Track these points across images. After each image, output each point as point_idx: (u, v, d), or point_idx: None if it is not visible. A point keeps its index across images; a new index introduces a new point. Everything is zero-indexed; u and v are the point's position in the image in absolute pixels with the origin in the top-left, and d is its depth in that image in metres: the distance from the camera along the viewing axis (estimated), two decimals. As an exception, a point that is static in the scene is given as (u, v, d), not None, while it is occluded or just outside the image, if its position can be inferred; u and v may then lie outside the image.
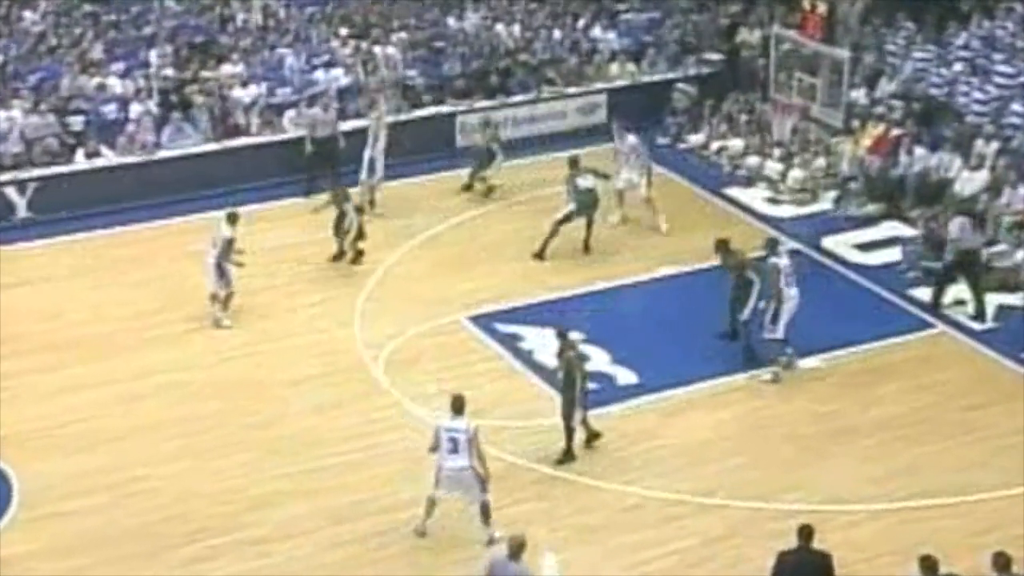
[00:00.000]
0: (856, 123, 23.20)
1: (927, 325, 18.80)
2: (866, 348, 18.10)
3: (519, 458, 15.75)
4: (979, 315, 18.85)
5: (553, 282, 19.81)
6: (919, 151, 21.97)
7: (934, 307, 19.01)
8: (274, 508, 15.02)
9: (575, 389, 15.58)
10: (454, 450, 14.07)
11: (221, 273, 18.32)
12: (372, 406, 16.94)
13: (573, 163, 20.91)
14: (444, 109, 24.69)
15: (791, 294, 17.19)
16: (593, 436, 15.99)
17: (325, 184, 21.92)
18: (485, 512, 14.26)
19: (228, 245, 18.28)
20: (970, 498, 15.02)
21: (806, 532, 12.33)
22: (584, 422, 15.88)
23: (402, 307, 19.24)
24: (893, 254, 20.53)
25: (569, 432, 15.72)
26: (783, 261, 17.40)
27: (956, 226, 19.09)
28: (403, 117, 24.17)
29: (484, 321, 18.83)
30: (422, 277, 20.19)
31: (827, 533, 13.26)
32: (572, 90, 25.38)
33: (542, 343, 18.08)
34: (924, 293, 19.45)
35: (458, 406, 14.28)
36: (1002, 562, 12.08)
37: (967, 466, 15.58)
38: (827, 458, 15.81)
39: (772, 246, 17.70)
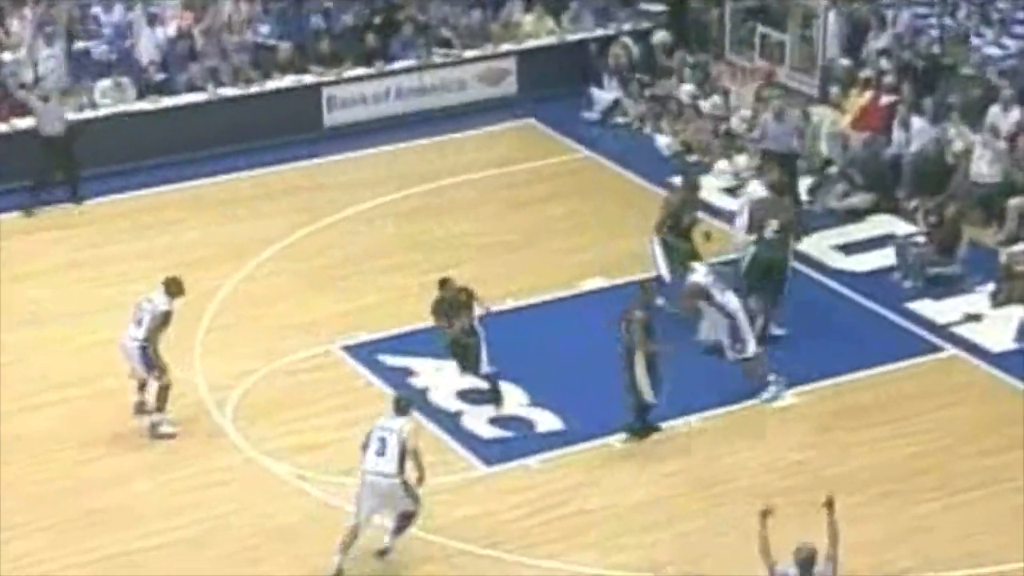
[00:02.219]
0: (836, 90, 23.71)
1: (931, 348, 19.24)
2: (852, 379, 18.46)
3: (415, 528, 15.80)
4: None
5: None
6: (918, 123, 22.45)
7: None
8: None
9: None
10: (381, 452, 14.96)
11: (150, 361, 17.25)
12: (215, 466, 17.01)
13: None
14: (308, 79, 24.82)
15: (728, 300, 17.85)
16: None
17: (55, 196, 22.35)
18: (404, 519, 15.21)
19: (163, 321, 17.21)
20: (985, 570, 15.36)
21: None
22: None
23: (255, 337, 19.36)
24: (886, 257, 20.98)
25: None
26: (701, 277, 17.98)
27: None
28: (254, 89, 24.35)
29: (364, 352, 19.02)
30: (279, 297, 20.33)
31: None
32: (472, 53, 25.64)
33: (440, 380, 18.33)
34: (927, 307, 19.93)
35: (402, 406, 15.28)
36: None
37: (982, 530, 15.92)
38: (803, 521, 15.93)
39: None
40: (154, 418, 17.48)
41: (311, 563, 15.43)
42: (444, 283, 18.14)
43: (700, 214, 20.44)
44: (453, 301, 17.97)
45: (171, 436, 17.43)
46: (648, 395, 17.13)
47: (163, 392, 17.45)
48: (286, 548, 15.66)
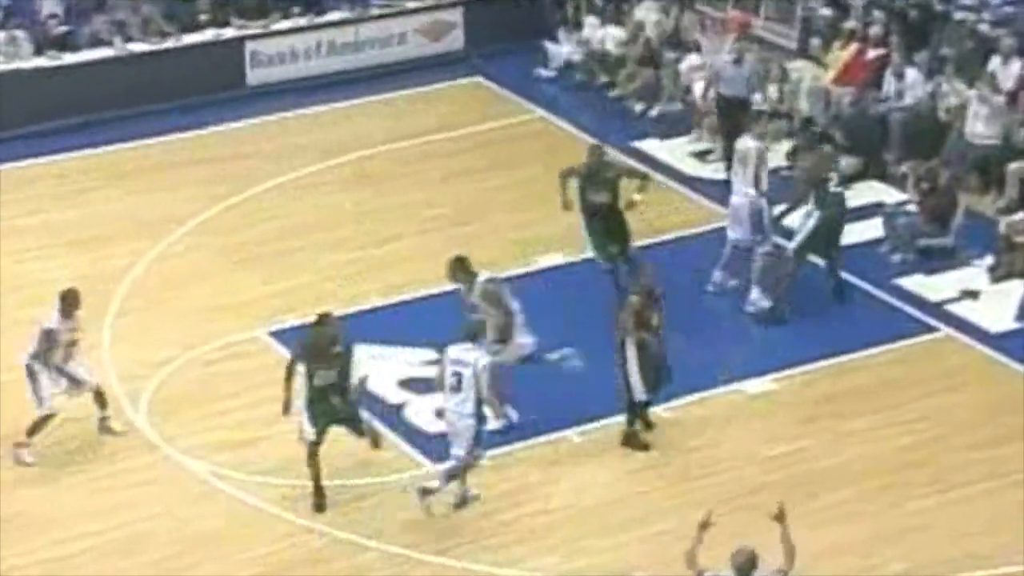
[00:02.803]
0: (817, 43, 23.88)
1: (924, 328, 19.39)
2: (837, 362, 18.60)
3: (349, 532, 15.91)
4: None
5: (391, 280, 20.06)
6: (912, 74, 22.61)
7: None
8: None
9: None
10: (457, 388, 15.83)
11: (34, 380, 16.97)
12: (129, 467, 16.99)
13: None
14: (229, 33, 24.82)
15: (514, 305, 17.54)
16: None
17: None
18: (454, 473, 16.06)
19: (45, 341, 16.88)
20: (984, 573, 15.45)
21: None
22: None
23: (172, 321, 19.35)
24: (873, 228, 21.05)
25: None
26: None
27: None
28: (168, 44, 24.32)
29: (294, 338, 18.78)
30: (198, 277, 20.35)
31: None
32: (413, 4, 25.70)
33: (380, 368, 18.34)
34: (919, 283, 20.08)
35: (472, 333, 16.02)
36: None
37: (981, 529, 16.02)
38: (796, 516, 16.14)
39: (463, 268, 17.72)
40: (15, 448, 17.09)
41: (235, 571, 15.46)
42: (323, 320, 16.43)
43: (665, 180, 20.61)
44: (330, 343, 16.24)
45: (28, 465, 17.04)
46: (638, 391, 17.07)
47: (37, 426, 17.01)
48: (209, 555, 15.64)
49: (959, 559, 15.51)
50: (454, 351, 15.88)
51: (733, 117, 21.99)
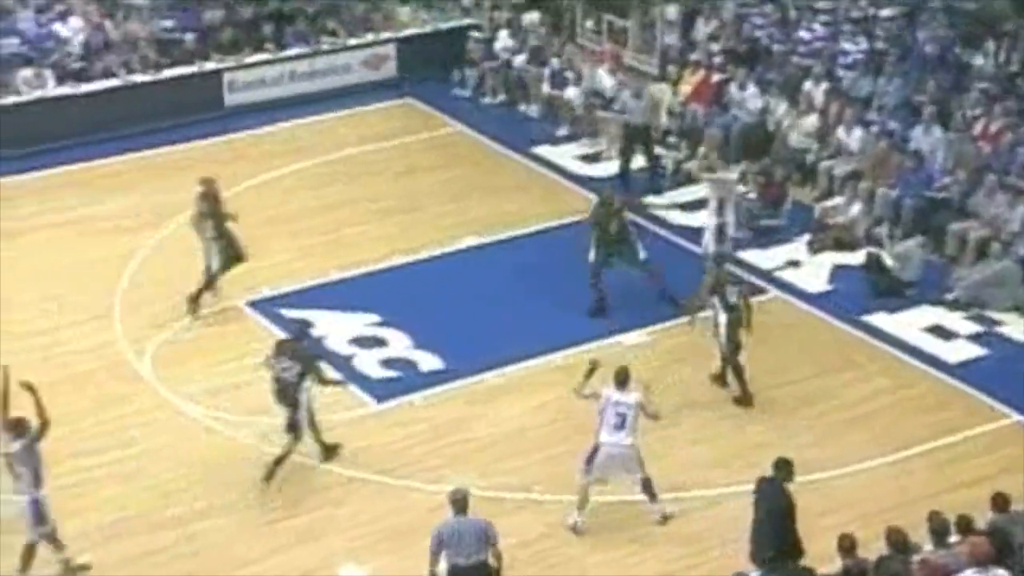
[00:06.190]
0: (672, 69, 23.76)
1: (756, 290, 19.14)
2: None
3: (312, 459, 15.67)
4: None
5: (344, 259, 19.75)
6: (751, 88, 22.56)
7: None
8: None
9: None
10: (620, 426, 14.47)
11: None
12: (138, 408, 16.65)
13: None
14: (210, 65, 24.39)
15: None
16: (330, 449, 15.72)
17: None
18: (648, 489, 14.63)
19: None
20: (808, 478, 15.39)
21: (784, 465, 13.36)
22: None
23: (170, 293, 18.94)
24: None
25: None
26: None
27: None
28: (164, 75, 23.85)
29: (267, 306, 18.69)
30: (191, 258, 19.75)
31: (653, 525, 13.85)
32: (354, 41, 25.37)
33: (335, 328, 18.09)
34: (756, 256, 19.99)
35: (623, 378, 14.58)
36: (846, 545, 12.50)
37: (805, 444, 15.96)
38: (658, 441, 16.03)
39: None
40: None
41: (222, 491, 15.25)
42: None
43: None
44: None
45: None
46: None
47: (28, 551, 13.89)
48: (200, 477, 15.45)
49: (797, 466, 15.38)
50: (613, 394, 14.49)
51: (637, 140, 21.77)
